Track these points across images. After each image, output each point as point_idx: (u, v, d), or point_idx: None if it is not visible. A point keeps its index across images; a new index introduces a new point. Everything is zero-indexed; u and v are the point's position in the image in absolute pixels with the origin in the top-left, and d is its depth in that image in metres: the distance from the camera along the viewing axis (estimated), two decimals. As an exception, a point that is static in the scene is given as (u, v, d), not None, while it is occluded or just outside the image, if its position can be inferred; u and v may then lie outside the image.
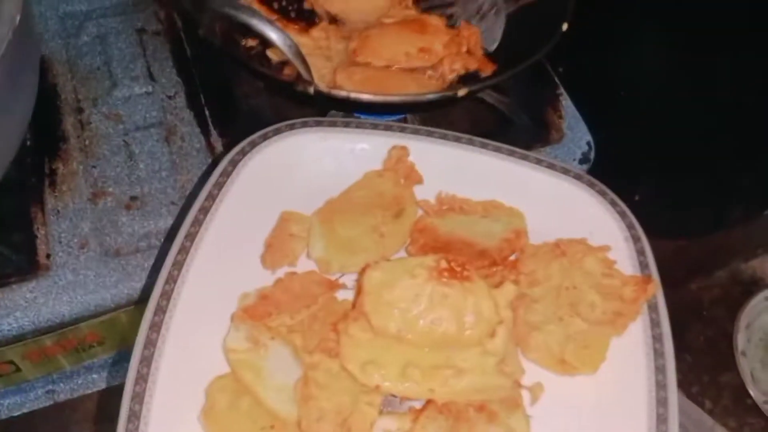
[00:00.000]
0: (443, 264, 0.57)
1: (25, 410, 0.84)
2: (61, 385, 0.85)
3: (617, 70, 1.06)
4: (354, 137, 0.70)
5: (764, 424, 1.28)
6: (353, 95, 0.73)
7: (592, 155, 0.92)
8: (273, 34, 0.70)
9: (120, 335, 0.81)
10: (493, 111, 0.93)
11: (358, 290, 0.59)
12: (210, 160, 0.83)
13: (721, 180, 0.96)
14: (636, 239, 0.64)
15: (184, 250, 0.59)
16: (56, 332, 0.75)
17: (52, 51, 0.90)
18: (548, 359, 0.59)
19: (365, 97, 0.74)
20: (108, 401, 0.90)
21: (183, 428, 0.54)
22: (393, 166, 0.69)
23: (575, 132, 0.93)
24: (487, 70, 0.86)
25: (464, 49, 0.89)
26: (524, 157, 0.69)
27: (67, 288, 0.74)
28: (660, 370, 0.56)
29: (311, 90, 0.72)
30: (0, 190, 0.72)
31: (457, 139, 0.69)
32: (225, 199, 0.63)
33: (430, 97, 0.77)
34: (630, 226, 0.65)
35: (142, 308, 0.77)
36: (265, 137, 0.68)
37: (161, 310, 0.57)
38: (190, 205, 0.64)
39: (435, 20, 0.91)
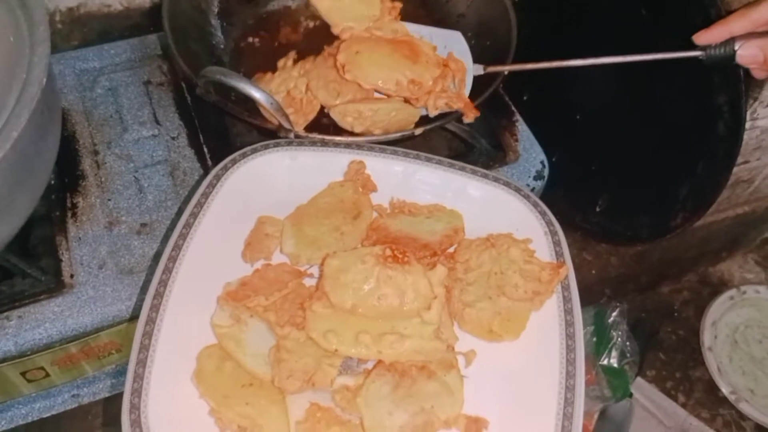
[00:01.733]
0: (388, 252, 0.68)
1: (53, 412, 0.91)
2: (85, 389, 0.93)
3: (573, 98, 1.15)
4: (319, 154, 0.81)
5: (735, 415, 1.36)
6: (327, 138, 0.84)
7: (545, 172, 1.02)
8: (257, 95, 0.80)
9: (135, 343, 0.91)
10: (456, 138, 1.03)
11: (321, 275, 0.69)
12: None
13: (664, 191, 1.04)
14: (553, 233, 0.75)
15: (178, 247, 0.70)
16: (80, 340, 0.83)
17: (71, 103, 1.00)
18: (479, 330, 0.69)
19: (337, 139, 0.85)
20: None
21: (178, 387, 0.63)
22: (352, 177, 0.79)
23: (530, 153, 1.02)
24: (470, 115, 0.89)
25: (449, 82, 0.90)
26: (462, 168, 0.80)
27: (88, 302, 0.83)
28: (570, 336, 0.66)
29: (292, 136, 0.82)
30: (30, 222, 0.79)
31: (406, 155, 0.80)
32: (211, 205, 0.74)
33: (392, 137, 0.86)
34: (549, 223, 0.75)
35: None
36: (244, 155, 0.79)
37: (159, 295, 0.66)
38: (182, 213, 0.74)
39: (427, 48, 0.90)
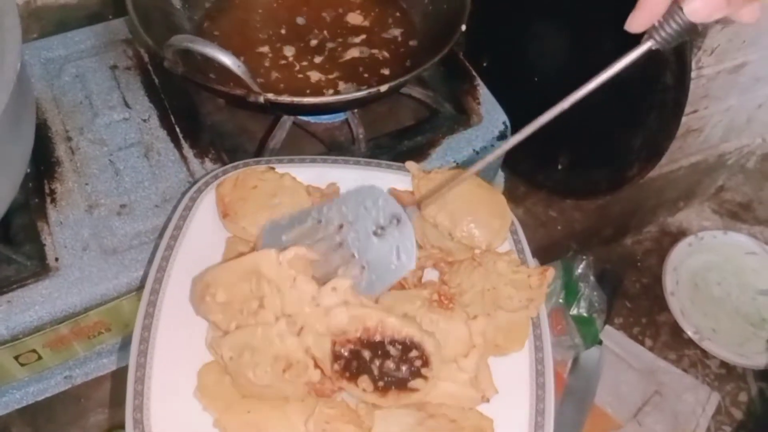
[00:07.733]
0: (434, 296, 0.69)
1: (47, 395, 0.93)
2: (77, 370, 0.94)
3: (530, 61, 1.19)
4: (287, 168, 0.81)
5: (700, 354, 1.43)
6: (296, 100, 0.86)
7: (508, 133, 1.05)
8: (225, 58, 0.80)
9: (123, 321, 0.90)
10: (421, 104, 1.07)
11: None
12: (184, 168, 0.95)
13: (619, 144, 1.09)
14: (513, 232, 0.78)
15: (162, 269, 0.71)
16: (70, 321, 0.85)
17: (39, 92, 1.00)
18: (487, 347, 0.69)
19: (306, 100, 0.87)
20: (117, 389, 1.00)
21: (180, 402, 0.65)
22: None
23: (492, 115, 1.06)
24: None
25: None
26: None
27: (75, 283, 0.84)
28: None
29: (261, 99, 0.83)
30: (11, 211, 0.82)
31: (368, 164, 0.83)
32: (189, 229, 0.75)
33: (359, 95, 0.89)
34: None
35: (140, 296, 0.90)
36: (216, 176, 0.80)
37: (149, 315, 0.68)
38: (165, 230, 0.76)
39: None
